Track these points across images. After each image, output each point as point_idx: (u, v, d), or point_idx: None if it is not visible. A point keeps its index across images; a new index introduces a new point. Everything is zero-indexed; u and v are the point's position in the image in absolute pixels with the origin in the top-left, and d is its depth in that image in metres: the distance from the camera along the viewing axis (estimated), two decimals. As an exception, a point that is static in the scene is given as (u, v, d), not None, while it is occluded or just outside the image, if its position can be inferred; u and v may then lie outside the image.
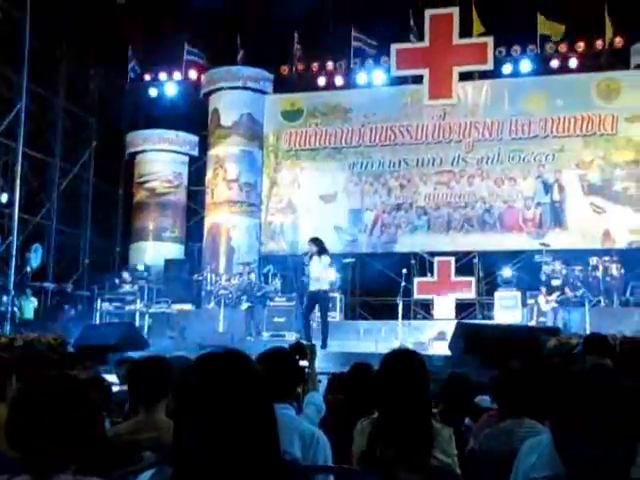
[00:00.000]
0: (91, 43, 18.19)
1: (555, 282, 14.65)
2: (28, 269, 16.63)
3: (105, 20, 17.52)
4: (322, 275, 12.55)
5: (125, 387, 5.32)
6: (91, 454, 2.23)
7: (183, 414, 1.79)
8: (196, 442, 1.72)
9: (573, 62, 17.64)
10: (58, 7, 16.52)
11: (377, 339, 14.18)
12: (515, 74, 17.96)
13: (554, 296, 14.43)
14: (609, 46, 17.46)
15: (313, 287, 12.62)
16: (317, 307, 12.80)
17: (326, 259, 12.61)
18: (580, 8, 16.07)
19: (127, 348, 10.51)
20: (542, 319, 14.46)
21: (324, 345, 12.15)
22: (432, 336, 14.14)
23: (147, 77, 20.31)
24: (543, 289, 14.68)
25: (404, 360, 3.48)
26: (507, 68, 17.97)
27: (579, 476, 1.83)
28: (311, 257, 12.60)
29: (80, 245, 19.85)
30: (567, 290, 14.48)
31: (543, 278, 14.99)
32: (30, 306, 16.32)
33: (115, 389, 5.71)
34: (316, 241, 12.86)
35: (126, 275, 17.19)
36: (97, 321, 15.93)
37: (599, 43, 17.54)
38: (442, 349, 10.63)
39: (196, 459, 1.72)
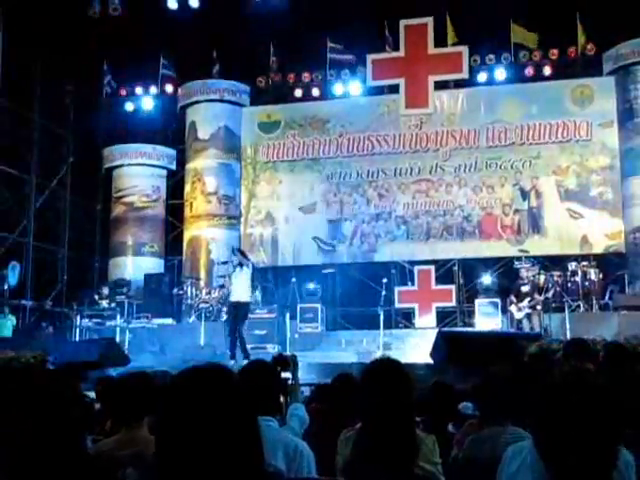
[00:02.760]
0: (66, 58, 18.08)
1: (524, 288, 14.71)
2: (5, 287, 16.49)
3: (79, 35, 17.44)
4: (242, 287, 12.60)
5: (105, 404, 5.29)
6: (72, 472, 2.21)
7: (165, 430, 1.78)
8: (179, 458, 1.71)
9: (547, 70, 17.80)
10: (32, 23, 16.44)
11: (359, 349, 14.21)
12: (490, 82, 18.09)
13: (525, 302, 14.49)
14: (582, 54, 17.65)
15: (233, 298, 12.67)
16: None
17: (247, 271, 12.65)
18: (553, 17, 16.23)
19: (108, 364, 10.43)
20: (521, 325, 14.51)
21: (246, 355, 12.17)
22: (414, 345, 14.15)
23: (123, 92, 20.24)
24: (512, 297, 14.74)
25: (386, 370, 3.47)
26: (482, 76, 18.11)
27: (562, 481, 1.83)
28: (234, 268, 12.65)
29: (58, 261, 19.70)
30: (536, 295, 14.53)
31: (513, 286, 15.07)
32: (8, 324, 16.16)
33: (97, 406, 5.66)
34: (238, 252, 12.94)
35: (105, 290, 17.09)
36: (77, 338, 15.79)
37: (572, 51, 17.71)
38: (424, 357, 10.63)
39: (179, 475, 1.70)
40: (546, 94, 17.63)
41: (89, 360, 10.42)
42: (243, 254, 13.05)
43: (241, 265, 12.62)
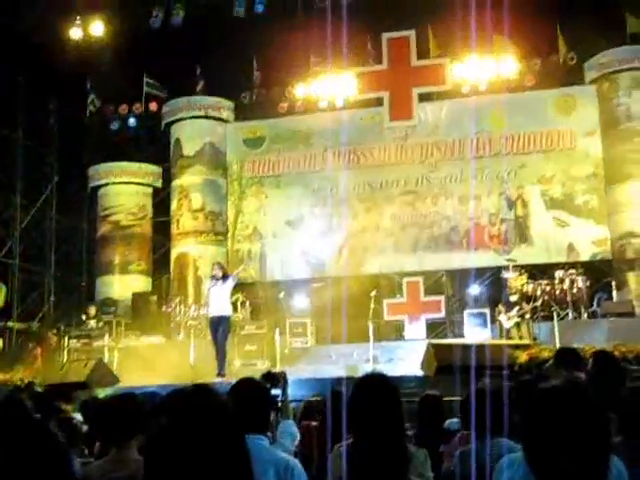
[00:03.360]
0: (49, 78, 18.07)
1: (512, 298, 14.74)
2: (-8, 309, 16.39)
3: (62, 54, 17.44)
4: (223, 301, 12.53)
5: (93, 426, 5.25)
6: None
7: (154, 452, 1.77)
8: (168, 479, 1.69)
9: (530, 80, 17.89)
10: (14, 42, 16.43)
11: (349, 362, 14.17)
12: (474, 93, 18.15)
13: (514, 312, 14.52)
14: (563, 63, 17.76)
15: (215, 313, 12.57)
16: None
17: (230, 284, 12.58)
18: (534, 28, 16.32)
19: (97, 385, 10.38)
20: (511, 334, 14.52)
21: (220, 371, 12.13)
22: (404, 357, 14.12)
23: (107, 110, 20.20)
24: (501, 307, 14.76)
25: (376, 385, 3.46)
26: (465, 88, 18.16)
27: (555, 494, 1.83)
28: (216, 281, 12.55)
29: (45, 281, 19.62)
30: (524, 304, 14.56)
31: (502, 296, 15.10)
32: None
33: (84, 428, 5.62)
34: (220, 266, 12.88)
35: (92, 310, 16.97)
36: (65, 359, 15.68)
37: (554, 60, 17.82)
38: (414, 369, 10.63)
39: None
40: (530, 104, 17.72)
41: (77, 381, 10.38)
42: (224, 268, 12.95)
43: (224, 278, 12.52)
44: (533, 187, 17.58)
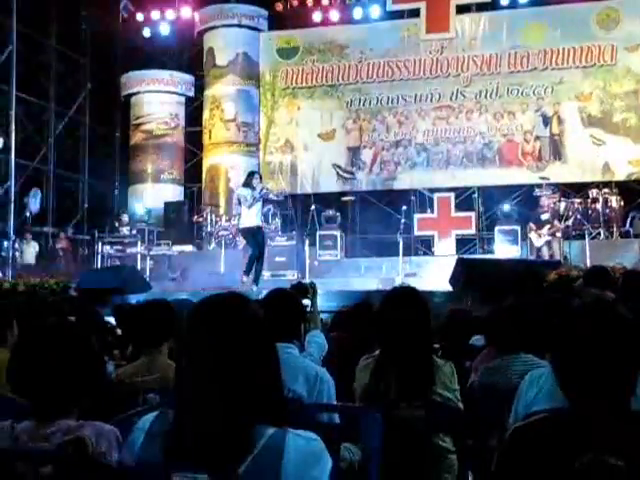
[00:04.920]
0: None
1: (544, 216, 14.63)
2: (27, 214, 16.61)
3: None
4: (258, 211, 12.22)
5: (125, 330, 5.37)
6: (94, 398, 2.25)
7: (185, 357, 1.81)
8: (199, 384, 1.73)
9: (572, -9, 17.34)
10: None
11: (378, 276, 14.27)
12: (513, 6, 17.65)
13: (545, 230, 14.44)
14: (609, -26, 17.16)
15: (249, 224, 12.12)
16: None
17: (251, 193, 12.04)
18: None
19: (129, 291, 10.56)
20: (541, 253, 14.48)
21: (255, 281, 12.07)
22: (433, 272, 14.18)
23: (139, 17, 19.95)
24: (532, 224, 14.67)
25: (405, 297, 3.49)
26: (505, 0, 17.66)
27: (580, 409, 1.85)
28: (252, 191, 12.01)
29: (79, 189, 19.81)
30: (556, 223, 14.47)
31: (533, 213, 14.99)
32: (31, 250, 16.36)
33: (118, 331, 5.74)
34: (260, 176, 12.56)
35: (125, 218, 17.15)
36: (99, 264, 15.96)
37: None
38: (443, 285, 10.66)
39: (198, 401, 1.73)
40: (570, 17, 17.20)
41: (111, 287, 10.56)
42: (247, 177, 12.55)
43: (260, 190, 12.14)
44: (570, 104, 17.22)
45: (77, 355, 2.21)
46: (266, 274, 14.48)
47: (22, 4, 15.49)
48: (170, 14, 19.71)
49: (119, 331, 5.72)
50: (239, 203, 12.61)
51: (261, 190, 12.14)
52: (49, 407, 2.16)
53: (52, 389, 2.17)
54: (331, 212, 16.80)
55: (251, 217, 12.11)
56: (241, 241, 15.35)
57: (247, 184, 12.15)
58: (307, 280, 9.50)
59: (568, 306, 1.98)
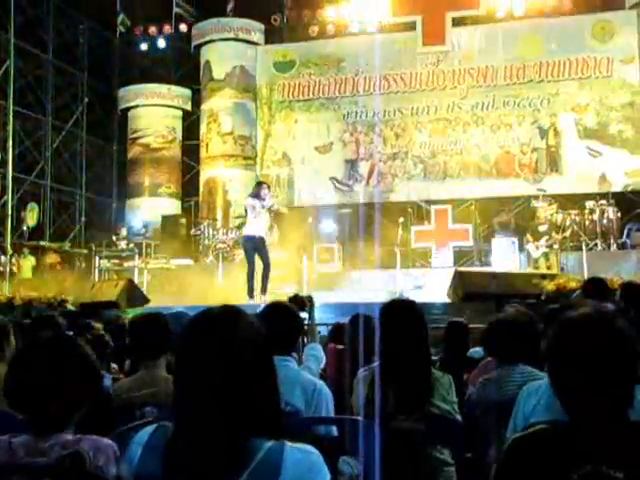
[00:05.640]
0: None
1: (541, 227, 14.66)
2: (25, 228, 16.60)
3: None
4: (264, 221, 12.20)
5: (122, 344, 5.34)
6: (91, 412, 2.25)
7: (182, 370, 1.80)
8: (196, 398, 1.73)
9: (567, 4, 17.41)
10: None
11: (376, 289, 14.23)
12: (508, 18, 17.72)
13: (542, 241, 14.45)
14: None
15: (253, 232, 11.93)
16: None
17: (268, 205, 12.13)
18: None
19: (127, 305, 10.53)
20: (539, 264, 14.48)
21: (263, 291, 12.01)
22: (431, 284, 14.16)
23: (137, 31, 20.03)
24: (529, 236, 14.69)
25: (403, 309, 3.49)
26: (500, 13, 17.74)
27: (579, 420, 1.84)
28: (261, 201, 12.00)
29: (76, 203, 19.80)
30: (553, 234, 14.48)
31: (530, 225, 15.02)
32: (28, 265, 16.33)
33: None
34: (268, 186, 12.51)
35: (123, 232, 17.15)
36: (96, 278, 15.91)
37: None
38: (441, 297, 10.65)
39: (196, 415, 1.72)
40: (566, 30, 17.29)
41: (108, 300, 10.54)
42: (256, 186, 12.56)
43: (265, 200, 12.08)
44: (566, 115, 17.28)
45: (74, 369, 2.21)
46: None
47: (20, 18, 15.54)
48: (167, 28, 19.77)
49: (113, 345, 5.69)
50: (246, 212, 12.60)
51: (269, 201, 12.14)
52: (46, 421, 2.16)
53: (49, 403, 2.16)
54: (329, 225, 16.79)
55: (256, 226, 12.04)
56: (239, 254, 15.29)
57: (256, 195, 12.12)
58: (305, 293, 9.47)
59: (566, 316, 1.97)
